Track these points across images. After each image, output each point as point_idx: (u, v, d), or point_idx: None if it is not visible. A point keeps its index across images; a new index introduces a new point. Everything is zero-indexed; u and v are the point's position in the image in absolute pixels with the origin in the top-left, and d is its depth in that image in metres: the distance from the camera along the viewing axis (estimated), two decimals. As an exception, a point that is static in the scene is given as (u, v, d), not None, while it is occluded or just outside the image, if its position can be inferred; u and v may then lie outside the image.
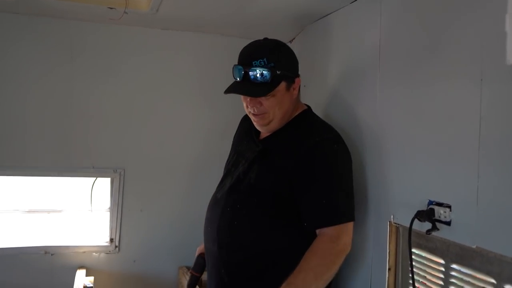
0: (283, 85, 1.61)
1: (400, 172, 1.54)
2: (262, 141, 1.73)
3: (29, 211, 2.52)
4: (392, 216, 1.56)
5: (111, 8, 2.01)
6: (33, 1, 1.96)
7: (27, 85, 2.21)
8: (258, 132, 1.78)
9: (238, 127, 1.97)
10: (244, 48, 1.66)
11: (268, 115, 1.64)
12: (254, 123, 1.72)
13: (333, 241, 1.51)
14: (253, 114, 1.67)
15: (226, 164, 1.88)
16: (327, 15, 2.08)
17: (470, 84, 1.23)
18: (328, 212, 1.54)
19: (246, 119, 1.87)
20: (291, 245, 1.57)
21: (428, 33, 1.42)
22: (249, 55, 1.60)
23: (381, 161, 1.64)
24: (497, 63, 1.14)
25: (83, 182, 2.50)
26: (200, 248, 1.91)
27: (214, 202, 1.75)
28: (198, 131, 2.48)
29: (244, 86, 1.60)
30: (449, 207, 1.30)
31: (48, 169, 2.28)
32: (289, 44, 2.48)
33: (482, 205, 1.19)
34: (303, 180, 1.56)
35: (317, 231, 1.56)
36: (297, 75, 1.69)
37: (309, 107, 1.80)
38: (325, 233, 1.53)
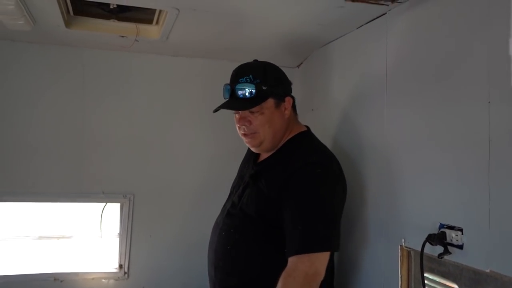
0: (271, 101, 1.61)
1: (410, 195, 1.52)
2: (258, 164, 1.73)
3: (39, 237, 2.53)
4: (403, 240, 1.54)
5: (122, 36, 2.06)
6: (46, 30, 2.01)
7: (39, 112, 2.25)
8: (258, 155, 1.78)
9: (247, 150, 1.96)
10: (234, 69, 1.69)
11: (259, 135, 1.64)
12: (248, 145, 1.72)
13: (290, 274, 1.42)
14: (244, 135, 1.68)
15: (231, 187, 1.89)
16: (334, 40, 2.11)
17: (478, 106, 1.23)
18: (296, 240, 1.47)
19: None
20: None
21: (435, 57, 1.44)
22: (236, 74, 1.64)
23: (391, 184, 1.63)
24: (504, 86, 1.15)
25: (93, 208, 2.51)
26: None
27: (215, 225, 1.77)
28: (207, 156, 2.49)
29: (231, 103, 1.63)
30: (461, 230, 1.28)
31: (58, 195, 2.30)
32: (296, 69, 2.53)
33: (495, 228, 1.17)
34: (285, 206, 1.52)
35: None
36: (288, 95, 1.68)
37: (308, 128, 1.78)
38: (289, 262, 1.45)
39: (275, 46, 2.22)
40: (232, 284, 1.62)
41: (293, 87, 1.68)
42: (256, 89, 1.57)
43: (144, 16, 2.02)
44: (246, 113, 1.63)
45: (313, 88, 2.35)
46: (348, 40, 2.00)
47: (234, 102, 1.62)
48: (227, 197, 1.87)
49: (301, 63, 2.50)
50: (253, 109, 1.60)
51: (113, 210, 2.44)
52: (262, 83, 1.59)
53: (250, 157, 1.82)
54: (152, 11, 1.94)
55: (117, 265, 2.39)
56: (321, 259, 1.45)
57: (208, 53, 2.42)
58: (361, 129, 1.85)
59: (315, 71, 2.34)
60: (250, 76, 1.59)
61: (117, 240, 2.41)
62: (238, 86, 1.59)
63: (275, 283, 1.44)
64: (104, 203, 2.43)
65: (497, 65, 1.18)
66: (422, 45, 1.51)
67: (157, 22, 2.03)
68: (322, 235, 1.48)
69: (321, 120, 2.19)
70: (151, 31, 2.08)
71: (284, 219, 1.52)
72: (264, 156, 1.75)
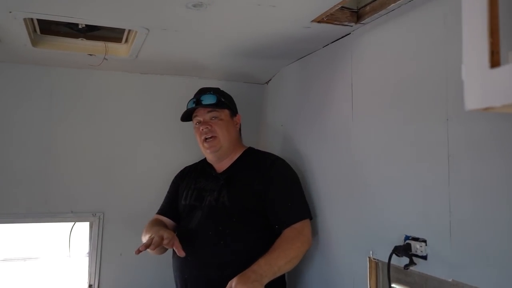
0: (227, 112, 2.01)
1: (377, 209, 1.58)
2: (222, 174, 1.99)
3: (4, 260, 2.46)
4: (371, 252, 1.59)
5: (91, 55, 2.06)
6: (12, 49, 1.99)
7: (6, 131, 2.21)
8: (214, 170, 2.04)
9: (178, 179, 2.19)
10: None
11: (218, 139, 1.95)
12: (207, 152, 1.99)
13: (300, 232, 1.82)
14: (205, 140, 1.95)
15: (183, 203, 2.03)
16: (301, 58, 2.17)
17: (437, 123, 1.30)
18: (293, 212, 1.85)
19: (189, 170, 2.17)
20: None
21: (396, 76, 1.51)
22: (200, 91, 2.03)
23: (358, 198, 1.68)
24: (461, 104, 1.21)
25: (61, 228, 2.46)
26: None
27: (188, 234, 1.88)
28: (176, 173, 2.48)
29: (197, 106, 1.97)
30: (425, 241, 1.34)
31: (25, 216, 2.24)
32: (265, 86, 2.59)
33: (455, 239, 1.23)
34: (270, 191, 1.86)
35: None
36: (237, 113, 2.08)
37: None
38: (293, 227, 1.82)
39: (243, 63, 2.26)
40: (228, 276, 1.70)
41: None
42: (217, 99, 1.96)
43: (113, 34, 2.01)
44: (207, 119, 1.96)
45: (281, 105, 2.40)
46: (315, 58, 2.06)
47: (199, 106, 1.96)
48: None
49: (270, 80, 2.56)
50: (214, 114, 1.96)
51: (82, 229, 2.40)
52: (221, 96, 1.99)
53: (202, 174, 2.06)
54: (121, 30, 1.94)
55: (86, 285, 2.34)
56: (309, 225, 1.87)
57: (177, 71, 2.44)
58: (329, 144, 1.91)
59: (283, 88, 2.40)
60: (211, 92, 2.00)
61: (87, 259, 2.37)
62: (203, 96, 1.96)
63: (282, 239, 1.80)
64: (73, 222, 2.39)
65: (455, 84, 1.25)
66: (384, 65, 1.58)
67: (126, 41, 2.03)
68: (303, 207, 1.90)
69: (290, 136, 2.24)
70: (120, 49, 2.08)
71: (269, 202, 1.86)
72: (223, 167, 2.01)
